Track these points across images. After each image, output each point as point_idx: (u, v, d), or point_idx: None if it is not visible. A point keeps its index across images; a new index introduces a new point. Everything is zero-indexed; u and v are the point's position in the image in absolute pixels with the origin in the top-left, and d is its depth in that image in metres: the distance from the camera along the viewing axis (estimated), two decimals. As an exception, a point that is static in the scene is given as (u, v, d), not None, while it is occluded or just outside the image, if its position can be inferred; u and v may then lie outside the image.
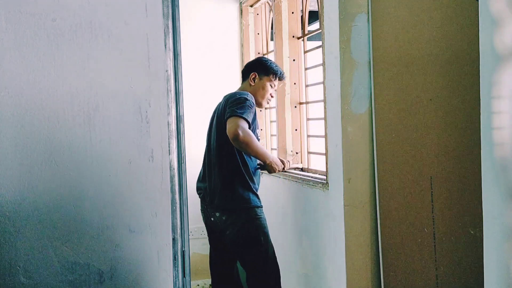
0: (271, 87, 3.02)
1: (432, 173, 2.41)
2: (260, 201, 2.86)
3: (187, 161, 1.55)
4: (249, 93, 2.86)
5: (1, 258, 1.34)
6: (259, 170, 2.96)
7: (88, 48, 1.39)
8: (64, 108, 1.37)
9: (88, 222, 1.40)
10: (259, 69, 3.01)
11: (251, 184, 2.82)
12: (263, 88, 3.00)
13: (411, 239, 2.39)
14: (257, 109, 4.07)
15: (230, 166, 2.81)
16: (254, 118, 2.82)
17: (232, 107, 2.71)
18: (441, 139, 2.42)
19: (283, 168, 2.99)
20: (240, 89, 3.06)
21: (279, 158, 2.99)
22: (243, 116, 2.66)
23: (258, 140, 2.87)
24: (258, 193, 2.93)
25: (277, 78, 3.03)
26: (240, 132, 2.61)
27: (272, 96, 3.06)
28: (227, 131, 2.66)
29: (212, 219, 2.89)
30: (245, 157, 2.83)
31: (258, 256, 2.80)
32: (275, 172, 2.92)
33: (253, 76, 3.00)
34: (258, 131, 2.92)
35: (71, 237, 1.38)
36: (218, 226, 2.88)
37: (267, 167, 2.88)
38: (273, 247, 2.86)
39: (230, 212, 2.81)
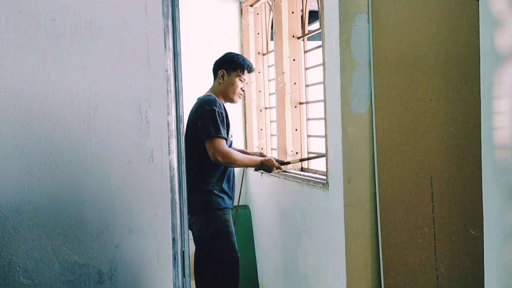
0: (241, 81, 3.10)
1: (432, 173, 2.41)
2: (226, 202, 3.01)
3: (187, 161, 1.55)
4: (216, 99, 2.99)
5: (1, 258, 1.34)
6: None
7: (88, 48, 1.39)
8: (64, 108, 1.37)
9: (88, 222, 1.39)
10: (225, 66, 3.10)
11: (215, 186, 2.99)
12: (233, 84, 3.08)
13: (411, 239, 2.39)
14: (259, 109, 4.09)
15: (194, 169, 2.97)
16: (227, 121, 2.97)
17: (205, 126, 2.89)
18: (441, 139, 2.42)
19: (280, 165, 3.12)
20: (211, 88, 3.17)
21: (273, 159, 3.12)
22: (218, 135, 2.86)
23: (230, 140, 3.05)
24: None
25: (245, 71, 3.09)
26: (220, 158, 2.87)
27: (243, 90, 3.15)
28: (209, 156, 2.89)
29: None
30: (207, 163, 2.95)
31: (214, 257, 3.01)
32: (272, 170, 3.09)
33: (221, 74, 3.09)
34: (230, 133, 3.06)
35: (71, 237, 1.38)
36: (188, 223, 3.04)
37: (263, 168, 3.08)
38: (232, 250, 3.01)
39: (193, 213, 2.99)
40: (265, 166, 3.09)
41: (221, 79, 3.09)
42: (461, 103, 2.43)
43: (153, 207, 1.45)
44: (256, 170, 3.20)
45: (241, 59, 3.11)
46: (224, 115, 2.95)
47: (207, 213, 2.98)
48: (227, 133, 2.99)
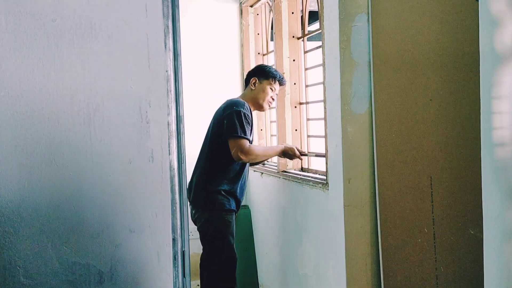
0: (272, 90, 3.21)
1: (432, 173, 2.41)
2: (231, 204, 3.09)
3: (187, 161, 1.55)
4: (245, 102, 3.11)
5: (1, 258, 1.34)
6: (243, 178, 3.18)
7: (88, 48, 1.39)
8: (64, 108, 1.37)
9: (88, 222, 1.39)
10: (259, 74, 3.23)
11: (224, 187, 3.08)
12: (263, 91, 3.20)
13: (411, 239, 2.39)
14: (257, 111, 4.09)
15: (207, 168, 3.11)
16: (251, 125, 3.07)
17: (231, 126, 2.98)
18: (441, 139, 2.42)
19: (299, 153, 3.17)
20: (241, 95, 3.30)
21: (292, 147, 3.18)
22: (242, 136, 2.96)
23: (251, 141, 3.12)
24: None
25: (277, 82, 3.21)
26: (243, 156, 2.97)
27: (273, 99, 3.26)
28: (232, 154, 2.98)
29: (190, 212, 3.21)
30: (226, 163, 3.06)
31: (211, 255, 3.09)
32: (293, 156, 3.15)
33: (254, 81, 3.22)
34: (252, 135, 3.14)
35: (71, 237, 1.38)
36: (192, 218, 3.18)
37: (286, 155, 3.16)
38: (230, 250, 3.07)
39: (198, 209, 3.11)
40: (287, 153, 3.16)
41: (253, 86, 3.22)
42: (461, 103, 2.43)
43: (153, 207, 1.45)
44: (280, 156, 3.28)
45: (273, 70, 3.24)
46: (250, 119, 3.06)
47: (210, 212, 3.07)
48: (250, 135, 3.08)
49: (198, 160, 3.21)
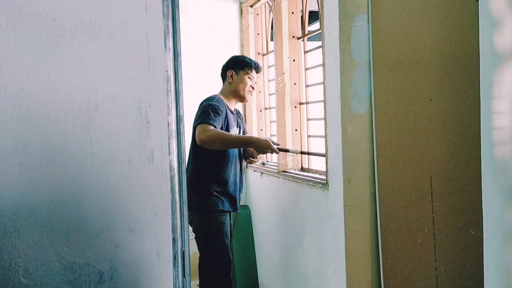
0: (250, 79, 3.21)
1: (432, 173, 2.41)
2: (224, 205, 3.06)
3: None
4: (217, 96, 3.11)
5: (1, 258, 1.34)
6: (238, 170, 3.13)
7: (88, 48, 1.39)
8: (64, 108, 1.37)
9: (88, 222, 1.39)
10: (233, 66, 3.22)
11: (216, 188, 3.04)
12: (242, 81, 3.19)
13: (411, 239, 2.39)
14: (259, 109, 4.09)
15: (196, 169, 3.07)
16: (225, 118, 3.03)
17: (198, 116, 2.97)
18: (441, 139, 2.42)
19: (277, 147, 3.05)
20: (220, 90, 3.27)
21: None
22: (205, 121, 2.88)
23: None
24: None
25: (253, 70, 3.22)
26: (204, 136, 2.84)
27: (253, 88, 3.25)
28: (196, 141, 2.89)
29: None
30: (210, 161, 3.02)
31: (205, 256, 3.08)
32: (267, 151, 3.00)
33: (230, 74, 3.21)
34: (234, 129, 3.13)
35: (71, 237, 1.38)
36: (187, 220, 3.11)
37: (256, 146, 2.99)
38: (223, 251, 3.05)
39: (191, 210, 3.07)
40: (258, 144, 2.97)
41: (231, 79, 3.20)
42: (461, 103, 2.43)
43: (153, 207, 1.45)
44: (247, 146, 3.12)
45: (247, 59, 3.25)
46: (220, 110, 2.98)
47: (203, 213, 3.04)
48: (228, 131, 3.03)
49: (187, 163, 3.14)
